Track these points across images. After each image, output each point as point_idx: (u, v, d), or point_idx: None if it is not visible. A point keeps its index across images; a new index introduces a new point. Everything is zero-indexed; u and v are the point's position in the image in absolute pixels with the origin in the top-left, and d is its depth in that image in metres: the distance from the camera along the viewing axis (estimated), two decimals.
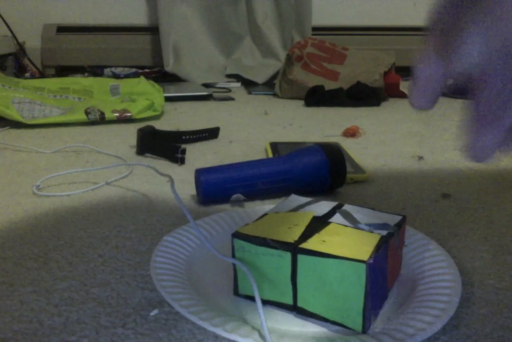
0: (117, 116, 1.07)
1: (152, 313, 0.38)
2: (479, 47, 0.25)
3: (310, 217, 0.41)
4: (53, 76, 1.81)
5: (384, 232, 0.37)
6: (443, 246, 0.49)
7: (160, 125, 1.07)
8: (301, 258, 0.35)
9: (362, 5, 2.03)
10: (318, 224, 0.39)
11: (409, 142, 0.93)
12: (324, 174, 0.62)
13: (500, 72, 0.25)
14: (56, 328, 0.36)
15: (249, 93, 1.60)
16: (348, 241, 0.36)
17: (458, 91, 1.52)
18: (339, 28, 1.99)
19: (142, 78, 1.32)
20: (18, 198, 0.62)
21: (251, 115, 1.20)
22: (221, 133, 0.99)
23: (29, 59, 1.83)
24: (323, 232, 0.38)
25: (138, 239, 0.50)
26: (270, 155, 0.79)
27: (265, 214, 0.42)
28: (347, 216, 0.41)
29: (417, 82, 0.29)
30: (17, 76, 1.76)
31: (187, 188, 0.66)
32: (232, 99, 1.46)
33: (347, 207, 0.43)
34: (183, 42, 1.85)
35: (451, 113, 1.25)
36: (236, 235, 0.38)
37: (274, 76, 1.81)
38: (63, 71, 1.90)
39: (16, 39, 1.81)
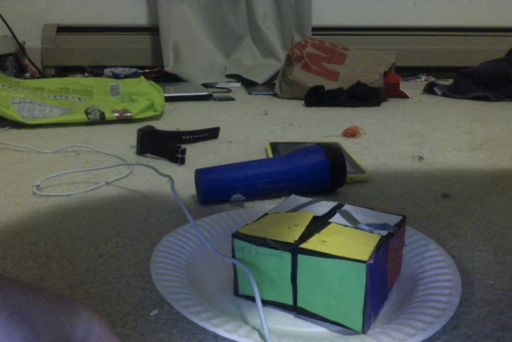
0: (117, 116, 1.07)
1: (152, 313, 0.38)
2: None
3: (310, 217, 0.41)
4: (53, 76, 1.82)
5: (384, 232, 0.37)
6: (443, 246, 0.49)
7: (160, 125, 1.07)
8: (301, 258, 0.35)
9: (362, 5, 2.03)
10: (318, 224, 0.39)
11: (409, 142, 0.93)
12: (324, 174, 0.62)
13: None
14: None
15: (249, 93, 1.60)
16: (348, 241, 0.36)
17: (458, 91, 1.52)
18: (339, 28, 1.99)
19: (142, 78, 1.32)
20: (18, 198, 0.62)
21: (251, 115, 1.20)
22: (221, 133, 0.99)
23: (29, 59, 1.83)
24: (323, 232, 0.38)
25: (138, 239, 0.50)
26: (270, 155, 0.79)
27: (265, 214, 0.42)
28: (347, 216, 0.41)
29: None
30: (17, 76, 1.76)
31: (187, 188, 0.66)
32: (232, 99, 1.46)
33: (347, 207, 0.43)
34: (183, 42, 1.85)
35: (451, 113, 1.25)
36: (236, 235, 0.38)
37: (274, 76, 1.81)
38: (63, 71, 1.90)
39: (16, 39, 1.81)
